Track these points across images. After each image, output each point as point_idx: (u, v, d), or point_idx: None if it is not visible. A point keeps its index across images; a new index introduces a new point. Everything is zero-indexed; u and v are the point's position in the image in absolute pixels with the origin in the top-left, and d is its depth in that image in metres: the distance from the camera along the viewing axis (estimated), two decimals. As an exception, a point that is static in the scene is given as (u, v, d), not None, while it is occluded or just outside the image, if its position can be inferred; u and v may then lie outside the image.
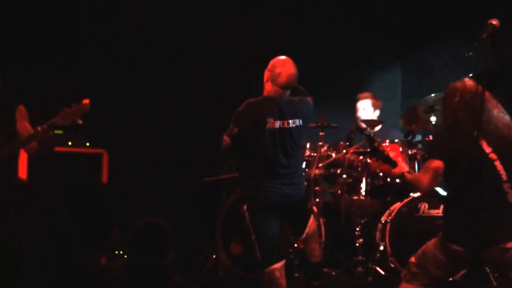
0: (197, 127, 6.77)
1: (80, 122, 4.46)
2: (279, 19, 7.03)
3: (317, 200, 5.90)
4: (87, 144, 6.10)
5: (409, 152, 5.79)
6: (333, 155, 5.98)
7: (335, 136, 6.32)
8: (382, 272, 5.59)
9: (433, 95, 5.56)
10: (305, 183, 4.99)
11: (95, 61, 6.66)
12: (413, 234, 5.48)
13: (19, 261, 2.53)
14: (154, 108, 6.82)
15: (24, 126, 4.58)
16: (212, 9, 6.95)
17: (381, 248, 5.61)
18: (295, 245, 5.39)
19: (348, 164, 5.92)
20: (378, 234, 5.69)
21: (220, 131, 4.75)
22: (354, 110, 6.46)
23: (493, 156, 3.81)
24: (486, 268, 4.68)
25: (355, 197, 5.90)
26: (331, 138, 6.22)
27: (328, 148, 6.03)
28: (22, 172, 5.26)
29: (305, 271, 5.42)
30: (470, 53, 6.70)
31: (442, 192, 5.49)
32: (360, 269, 5.62)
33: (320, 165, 5.91)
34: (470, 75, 5.88)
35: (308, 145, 5.96)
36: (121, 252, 5.97)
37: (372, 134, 5.87)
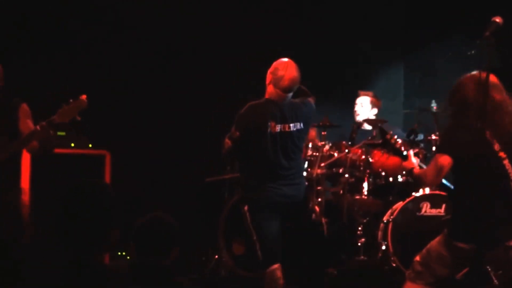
0: (199, 127, 6.76)
1: (79, 118, 4.43)
2: (280, 17, 7.02)
3: (319, 199, 5.89)
4: (90, 145, 6.10)
5: (412, 151, 5.77)
6: (335, 154, 5.98)
7: (337, 135, 6.32)
8: (384, 272, 5.58)
9: None
10: (306, 183, 4.99)
11: (96, 62, 6.65)
12: (415, 234, 5.47)
13: (21, 265, 2.53)
14: (156, 108, 6.82)
15: (26, 125, 4.55)
16: (212, 9, 6.94)
17: (383, 247, 5.60)
18: None
19: (350, 164, 5.92)
20: (380, 234, 5.68)
21: (222, 131, 4.75)
22: (349, 106, 6.46)
23: (502, 154, 3.79)
24: (488, 267, 4.67)
25: (357, 197, 5.90)
26: (334, 137, 6.22)
27: (330, 147, 6.02)
28: (25, 172, 5.25)
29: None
30: (473, 52, 6.67)
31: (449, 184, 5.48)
32: (362, 268, 5.62)
33: (322, 164, 5.91)
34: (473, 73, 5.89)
35: (310, 145, 5.96)
36: (123, 253, 5.99)
37: (374, 134, 5.88)
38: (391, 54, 7.70)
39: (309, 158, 5.92)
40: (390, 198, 5.85)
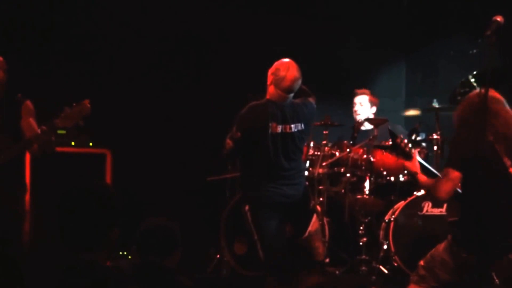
0: (200, 126, 6.76)
1: (82, 123, 4.39)
2: (280, 17, 7.00)
3: (321, 199, 5.89)
4: (91, 144, 6.09)
5: (413, 151, 5.76)
6: (337, 154, 5.97)
7: (337, 135, 6.31)
8: (386, 271, 5.58)
9: None
10: (306, 182, 4.99)
11: (98, 61, 6.65)
12: (417, 233, 5.47)
13: (22, 267, 2.52)
14: (158, 107, 6.81)
15: (28, 123, 4.51)
16: (212, 9, 6.93)
17: (385, 247, 5.60)
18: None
19: (352, 163, 5.91)
20: (381, 233, 5.67)
21: (223, 130, 4.74)
22: (351, 105, 6.44)
23: None
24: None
25: (359, 196, 5.89)
26: (334, 137, 6.21)
27: (332, 146, 6.01)
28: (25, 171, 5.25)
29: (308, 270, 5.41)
30: (475, 50, 6.66)
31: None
32: (363, 268, 5.61)
33: (324, 164, 5.90)
34: (475, 72, 5.89)
35: (312, 144, 5.95)
36: (125, 253, 5.98)
37: (376, 133, 5.86)
38: (393, 53, 7.69)
39: (310, 157, 5.92)
40: (392, 198, 5.85)
